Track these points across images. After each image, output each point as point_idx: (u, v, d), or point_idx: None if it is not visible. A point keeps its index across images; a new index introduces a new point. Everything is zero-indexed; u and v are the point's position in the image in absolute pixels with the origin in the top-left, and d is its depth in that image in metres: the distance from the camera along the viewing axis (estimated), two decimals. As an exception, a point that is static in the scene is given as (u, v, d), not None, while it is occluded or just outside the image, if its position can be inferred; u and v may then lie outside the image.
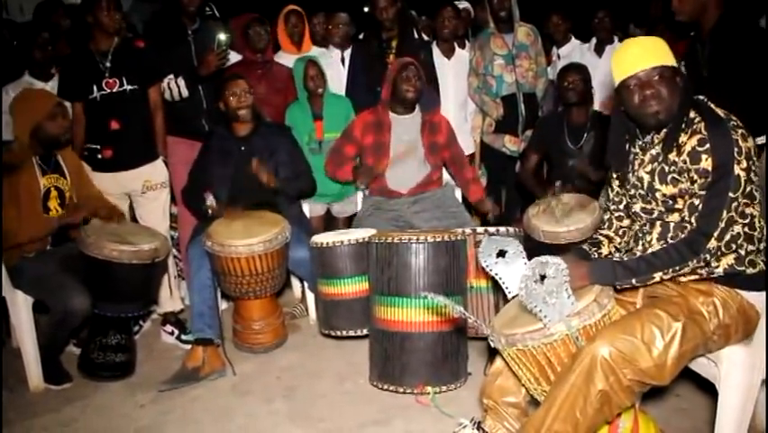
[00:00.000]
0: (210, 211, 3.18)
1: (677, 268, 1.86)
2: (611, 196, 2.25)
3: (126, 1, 4.60)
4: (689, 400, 2.54)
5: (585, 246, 2.26)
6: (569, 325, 1.79)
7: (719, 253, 1.86)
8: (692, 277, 1.94)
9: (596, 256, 2.22)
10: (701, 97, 1.97)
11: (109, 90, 3.25)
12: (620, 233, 2.23)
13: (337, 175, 3.53)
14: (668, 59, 1.91)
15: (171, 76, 3.40)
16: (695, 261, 1.84)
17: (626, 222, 2.21)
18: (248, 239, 2.90)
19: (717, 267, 1.91)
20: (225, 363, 3.02)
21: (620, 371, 1.74)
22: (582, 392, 1.75)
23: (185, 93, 3.41)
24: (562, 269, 1.81)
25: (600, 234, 2.27)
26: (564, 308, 1.79)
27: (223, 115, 3.31)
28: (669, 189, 1.94)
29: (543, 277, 1.84)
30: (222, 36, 3.27)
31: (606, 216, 2.28)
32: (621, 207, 2.20)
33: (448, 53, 4.17)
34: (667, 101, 1.90)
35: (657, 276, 1.87)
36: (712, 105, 1.93)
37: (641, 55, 1.91)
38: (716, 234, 1.82)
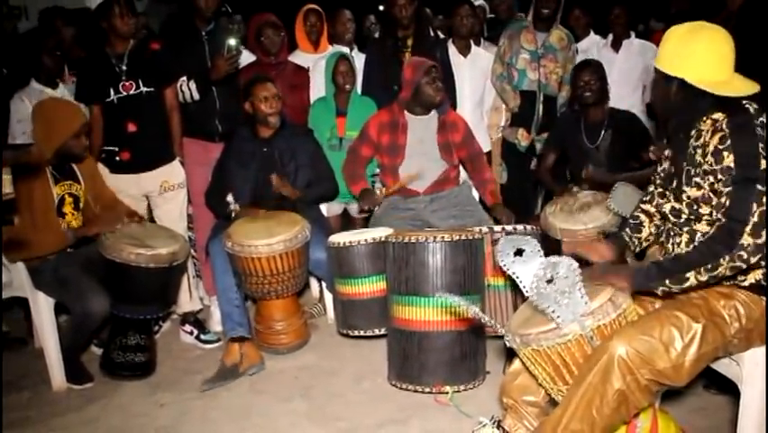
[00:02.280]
0: (232, 212, 3.19)
1: (710, 267, 1.77)
2: (659, 169, 2.15)
3: (142, 2, 4.62)
4: (709, 398, 2.52)
5: (627, 230, 2.22)
6: (582, 325, 1.78)
7: (757, 251, 1.74)
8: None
9: (636, 242, 2.21)
10: (738, 96, 1.83)
11: (126, 93, 3.27)
12: (659, 210, 2.16)
13: (350, 186, 3.52)
14: (676, 68, 1.86)
15: (184, 78, 3.41)
16: (728, 256, 1.74)
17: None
18: (268, 239, 2.91)
19: (743, 280, 1.88)
20: (263, 357, 3.06)
21: (638, 371, 1.73)
22: (599, 392, 1.74)
23: (196, 96, 3.41)
24: (573, 268, 1.80)
25: (641, 210, 2.22)
26: (578, 308, 1.78)
27: (248, 116, 3.31)
28: (693, 192, 1.89)
29: (553, 277, 1.82)
30: (232, 41, 3.27)
31: (650, 189, 2.21)
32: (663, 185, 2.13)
33: (464, 51, 4.13)
34: (656, 102, 2.07)
35: (691, 276, 1.79)
36: (746, 103, 1.82)
37: (660, 52, 1.94)
38: (749, 228, 1.72)
